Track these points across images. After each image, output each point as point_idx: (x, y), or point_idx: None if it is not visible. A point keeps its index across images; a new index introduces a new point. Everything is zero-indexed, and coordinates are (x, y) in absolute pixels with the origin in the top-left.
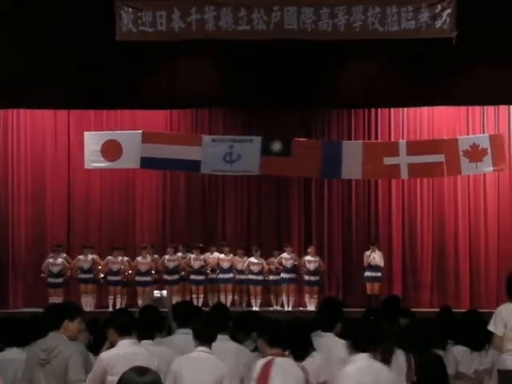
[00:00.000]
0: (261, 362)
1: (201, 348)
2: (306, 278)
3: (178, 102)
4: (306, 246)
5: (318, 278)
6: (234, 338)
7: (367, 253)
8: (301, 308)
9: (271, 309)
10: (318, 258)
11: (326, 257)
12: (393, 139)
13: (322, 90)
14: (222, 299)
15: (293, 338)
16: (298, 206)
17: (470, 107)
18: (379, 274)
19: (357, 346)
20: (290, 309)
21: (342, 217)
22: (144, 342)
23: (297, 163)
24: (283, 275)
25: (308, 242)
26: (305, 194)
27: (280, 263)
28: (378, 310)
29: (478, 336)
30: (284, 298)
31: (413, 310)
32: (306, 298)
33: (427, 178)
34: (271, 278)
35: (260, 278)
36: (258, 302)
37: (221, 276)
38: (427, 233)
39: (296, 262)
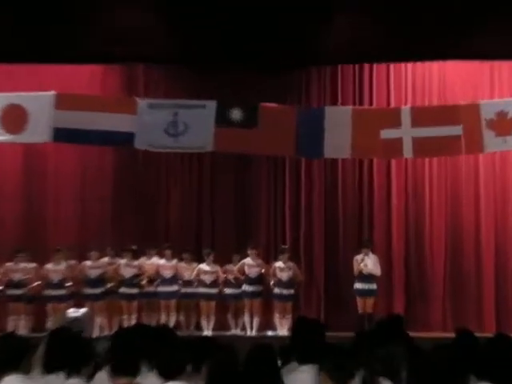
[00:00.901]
0: None
1: None
2: (277, 291)
3: (105, 54)
4: (277, 249)
5: (292, 291)
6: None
7: (358, 258)
8: (269, 332)
9: (228, 333)
10: (292, 265)
11: (303, 263)
12: (393, 105)
13: (298, 41)
14: (163, 319)
15: (257, 373)
16: (265, 194)
17: (494, 62)
18: (374, 286)
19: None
20: (253, 333)
21: (325, 210)
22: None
23: (264, 137)
24: (245, 288)
25: (280, 244)
26: (275, 179)
27: (241, 271)
28: (372, 333)
29: (509, 369)
30: (246, 318)
31: (420, 334)
32: (277, 318)
33: (439, 157)
34: (229, 291)
35: (214, 291)
36: (211, 323)
37: (161, 289)
38: (438, 231)
39: (263, 270)
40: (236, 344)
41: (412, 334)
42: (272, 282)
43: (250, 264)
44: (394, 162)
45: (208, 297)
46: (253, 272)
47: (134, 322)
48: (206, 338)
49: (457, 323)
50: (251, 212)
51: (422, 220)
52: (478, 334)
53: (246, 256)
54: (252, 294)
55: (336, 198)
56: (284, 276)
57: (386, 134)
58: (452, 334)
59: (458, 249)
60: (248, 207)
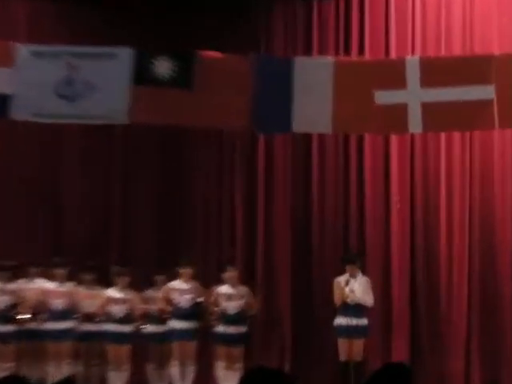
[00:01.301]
0: None
1: None
2: (221, 329)
3: None
4: (222, 267)
5: (242, 329)
6: None
7: (341, 280)
8: None
9: None
10: (244, 291)
11: (259, 288)
12: (393, 54)
13: None
14: (51, 371)
15: None
16: (205, 187)
17: None
18: (364, 322)
19: None
20: None
21: (293, 211)
22: None
23: (204, 102)
24: (174, 324)
25: (226, 260)
26: (221, 165)
27: (168, 300)
28: None
29: None
30: (174, 369)
31: None
32: (220, 368)
33: (459, 132)
34: (150, 329)
35: (127, 329)
36: (125, 375)
37: (49, 326)
38: (460, 239)
39: (201, 299)
40: None
41: None
42: (213, 317)
43: (180, 289)
44: (394, 140)
45: (119, 338)
46: (185, 301)
47: (7, 372)
48: None
49: (486, 374)
50: (184, 214)
51: (435, 224)
52: None
53: (174, 277)
54: (183, 334)
55: (309, 195)
56: (231, 307)
57: (384, 97)
58: None
59: (490, 268)
60: (180, 206)
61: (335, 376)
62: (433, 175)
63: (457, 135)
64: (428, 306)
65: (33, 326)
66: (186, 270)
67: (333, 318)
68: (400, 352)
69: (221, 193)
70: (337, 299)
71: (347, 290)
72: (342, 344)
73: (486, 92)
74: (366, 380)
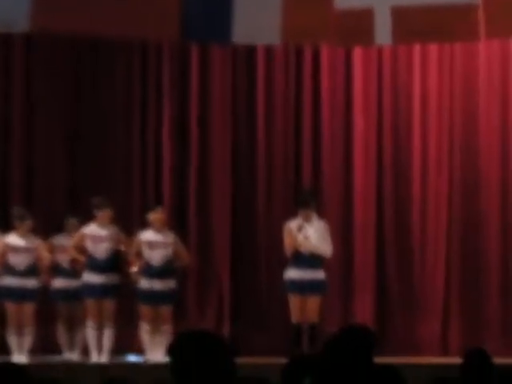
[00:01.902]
0: None
1: None
2: (145, 284)
3: None
4: (147, 209)
5: (171, 284)
6: None
7: (292, 225)
8: (131, 357)
9: (58, 359)
10: (173, 239)
11: (192, 237)
12: None
13: None
14: None
15: None
16: (125, 111)
17: None
18: (320, 276)
19: None
20: (103, 358)
21: (235, 139)
22: None
23: (124, 5)
24: (88, 278)
25: (151, 201)
26: (144, 80)
27: (81, 248)
28: (314, 360)
29: None
30: (90, 331)
31: (401, 360)
32: (145, 330)
33: (436, 42)
34: (59, 283)
35: (31, 283)
36: (28, 340)
37: None
38: (437, 178)
39: (120, 247)
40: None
41: (390, 359)
42: (135, 269)
43: (96, 235)
44: (357, 55)
45: (20, 294)
46: (101, 250)
47: None
48: (14, 367)
49: (466, 342)
50: (101, 145)
51: (407, 163)
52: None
53: (89, 220)
54: (100, 290)
55: (254, 123)
56: (157, 257)
57: (346, 0)
58: (456, 360)
59: (473, 216)
60: (96, 137)
61: (285, 341)
62: (405, 103)
63: (434, 49)
64: (398, 258)
65: None
66: (103, 213)
67: (282, 271)
68: (364, 313)
69: (146, 121)
70: (288, 248)
71: (300, 236)
72: (294, 302)
73: None
74: (321, 346)
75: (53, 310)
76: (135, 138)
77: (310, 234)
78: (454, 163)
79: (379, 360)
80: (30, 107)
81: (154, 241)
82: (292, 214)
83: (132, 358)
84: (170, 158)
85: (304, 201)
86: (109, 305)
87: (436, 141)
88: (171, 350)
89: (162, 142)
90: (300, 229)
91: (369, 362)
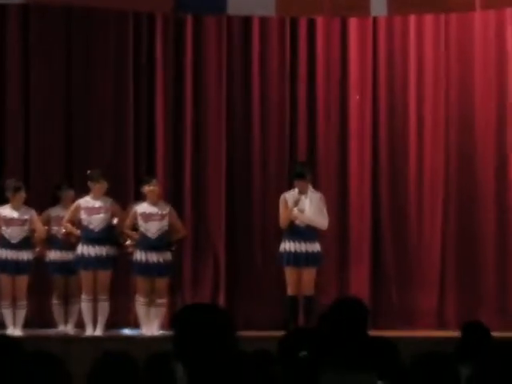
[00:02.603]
0: None
1: None
2: (139, 256)
3: None
4: (140, 181)
5: (167, 256)
6: None
7: (288, 196)
8: (125, 330)
9: (53, 332)
10: (168, 210)
11: (187, 208)
12: None
13: None
14: None
15: None
16: (117, 82)
17: None
18: (315, 248)
19: None
20: (98, 332)
21: (230, 108)
22: None
23: None
24: (83, 250)
25: (145, 170)
26: (135, 55)
27: (75, 220)
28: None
29: None
30: (85, 305)
31: (398, 334)
32: (141, 303)
33: (433, 13)
34: (54, 255)
35: (26, 255)
36: (21, 313)
37: None
38: (434, 146)
39: (115, 219)
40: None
41: (385, 333)
42: (128, 241)
43: (90, 207)
44: (353, 25)
45: (14, 267)
46: (96, 222)
47: None
48: (8, 340)
49: (463, 315)
50: (94, 116)
51: (402, 130)
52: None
53: (84, 192)
54: (95, 262)
55: (249, 91)
56: (152, 229)
57: None
58: (452, 334)
59: (470, 188)
60: (89, 108)
61: (280, 313)
62: (400, 74)
63: (429, 20)
64: (394, 229)
65: None
66: (99, 185)
67: (278, 243)
68: (359, 285)
69: (139, 92)
70: (283, 220)
71: (296, 209)
72: (290, 274)
73: None
74: (316, 318)
75: (48, 283)
76: (128, 109)
77: (306, 206)
78: (450, 135)
79: (374, 333)
80: (25, 77)
81: (149, 213)
82: (287, 187)
83: (127, 332)
84: (164, 129)
85: (299, 172)
86: (103, 277)
87: (432, 112)
88: (175, 322)
89: (156, 112)
90: (296, 202)
91: (363, 334)
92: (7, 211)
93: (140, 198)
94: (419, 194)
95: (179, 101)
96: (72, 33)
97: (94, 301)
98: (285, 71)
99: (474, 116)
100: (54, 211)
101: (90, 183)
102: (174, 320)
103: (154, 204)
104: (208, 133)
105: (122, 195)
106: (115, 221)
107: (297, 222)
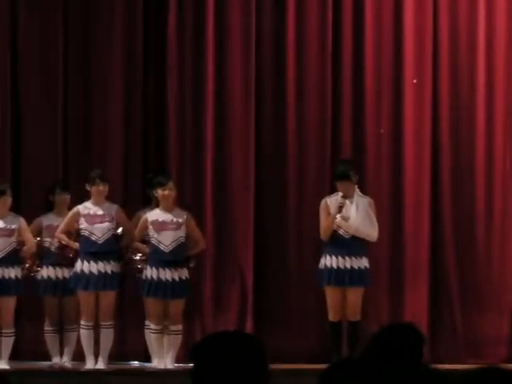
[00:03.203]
0: None
1: None
2: (151, 274)
3: None
4: (152, 182)
5: (184, 273)
6: None
7: (330, 201)
8: (134, 362)
9: (45, 364)
10: (185, 217)
11: (208, 219)
12: None
13: None
14: None
15: None
16: (121, 63)
17: None
18: (363, 264)
19: None
20: (101, 365)
21: (258, 103)
22: None
23: None
24: (83, 267)
25: (156, 170)
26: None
27: (72, 230)
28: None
29: None
30: (84, 332)
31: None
32: (152, 330)
33: None
34: (47, 273)
35: (13, 273)
36: (8, 342)
37: None
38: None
39: (121, 228)
40: None
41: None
42: (138, 256)
43: (91, 214)
44: None
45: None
46: (99, 231)
47: None
48: None
49: None
50: (93, 105)
51: (469, 124)
52: None
53: (84, 197)
54: (97, 281)
55: (283, 66)
56: (166, 239)
57: None
58: None
59: None
60: (87, 92)
61: (320, 342)
62: (466, 40)
63: None
64: (458, 242)
65: None
66: (99, 187)
67: (317, 258)
68: (416, 309)
69: (148, 72)
70: (324, 230)
71: (339, 216)
72: (332, 296)
73: None
74: (362, 348)
75: (39, 306)
76: (136, 97)
77: (352, 212)
78: None
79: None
80: (13, 68)
81: (163, 221)
82: (328, 191)
83: (135, 364)
84: (177, 120)
85: (343, 171)
86: (107, 299)
87: (504, 100)
88: (195, 353)
89: (168, 100)
90: (340, 207)
91: (417, 366)
92: None
93: (148, 203)
94: (489, 200)
95: (198, 85)
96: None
97: (96, 328)
98: (326, 48)
99: None
100: (47, 219)
101: (88, 186)
102: (193, 351)
103: (169, 211)
104: (233, 125)
105: (128, 200)
106: (121, 231)
107: (340, 231)
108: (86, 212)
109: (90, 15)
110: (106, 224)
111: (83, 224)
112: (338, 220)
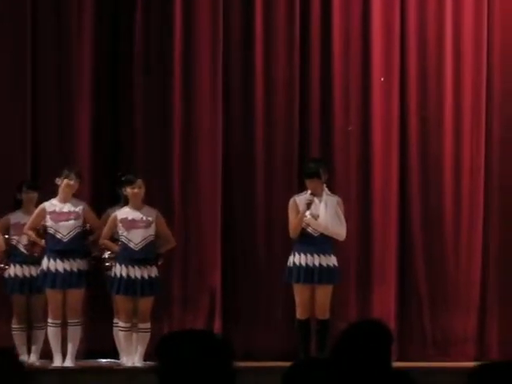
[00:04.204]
0: None
1: None
2: (120, 272)
3: None
4: (120, 180)
5: (153, 271)
6: None
7: (299, 199)
8: (102, 359)
9: None
10: (155, 215)
11: (177, 215)
12: None
13: None
14: None
15: None
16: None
17: None
18: (331, 262)
19: None
20: (68, 362)
21: (226, 85)
22: None
23: None
24: (50, 265)
25: (124, 169)
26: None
27: (39, 227)
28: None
29: None
30: (52, 330)
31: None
32: (120, 328)
33: None
34: (14, 272)
35: None
36: None
37: None
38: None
39: (89, 225)
40: None
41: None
42: (106, 253)
43: (56, 211)
44: None
45: None
46: (65, 229)
47: None
48: None
49: (508, 345)
50: (63, 97)
51: (437, 121)
52: None
53: (53, 194)
54: (64, 279)
55: (250, 67)
56: (136, 237)
57: None
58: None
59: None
60: (59, 81)
61: (289, 341)
62: (435, 37)
63: None
64: (426, 240)
65: None
66: (69, 184)
67: (286, 256)
68: (384, 307)
69: (116, 62)
70: (293, 228)
71: (308, 214)
72: (301, 293)
73: None
74: (331, 346)
75: (6, 304)
76: (105, 87)
77: (321, 210)
78: (493, 127)
79: (401, 365)
80: None
81: (132, 219)
82: (297, 189)
83: (104, 362)
84: (145, 118)
85: (312, 169)
86: (75, 297)
87: (472, 99)
88: (159, 351)
89: (134, 99)
90: (309, 205)
91: (385, 366)
92: None
93: (117, 202)
94: (457, 199)
95: (166, 83)
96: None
97: (64, 325)
98: (294, 46)
99: None
100: (15, 217)
101: (59, 180)
102: (157, 348)
103: (138, 209)
104: (200, 124)
105: (96, 198)
106: (89, 228)
107: (309, 229)
108: (51, 209)
109: (60, 16)
110: (72, 222)
111: (49, 222)
112: (307, 218)
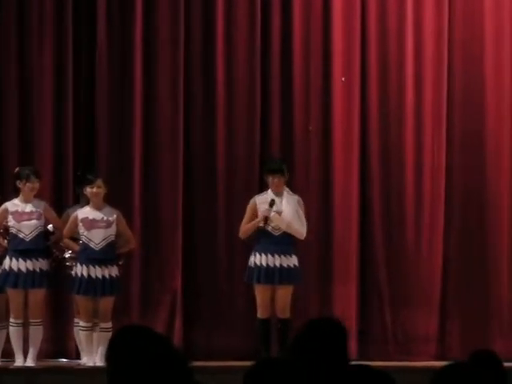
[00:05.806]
0: None
1: None
2: (81, 271)
3: None
4: (81, 179)
5: (114, 270)
6: None
7: (259, 200)
8: (62, 359)
9: None
10: (116, 215)
11: (137, 211)
12: None
13: None
14: None
15: None
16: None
17: None
18: (292, 262)
19: None
20: (30, 362)
21: (187, 88)
22: None
23: None
24: (12, 264)
25: (84, 167)
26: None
27: (1, 227)
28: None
29: None
30: (13, 328)
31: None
32: (81, 328)
33: None
34: None
35: None
36: None
37: None
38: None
39: (50, 226)
40: None
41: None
42: (68, 253)
43: (18, 211)
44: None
45: None
46: (26, 229)
47: None
48: None
49: (469, 345)
50: (27, 106)
51: (399, 121)
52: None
53: (14, 193)
54: (26, 279)
55: (211, 68)
56: (96, 237)
57: None
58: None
59: (477, 198)
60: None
61: (250, 340)
62: (395, 37)
63: None
64: (387, 240)
65: None
66: (35, 185)
67: (247, 256)
68: (345, 306)
69: (79, 62)
70: (244, 230)
71: (273, 211)
72: (262, 293)
73: None
74: (289, 344)
75: None
76: (67, 87)
77: (283, 208)
78: (454, 126)
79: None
80: None
81: (93, 219)
82: (257, 191)
83: (65, 362)
84: (108, 122)
85: (276, 166)
86: (36, 297)
87: (432, 97)
88: (109, 351)
89: (96, 101)
90: (272, 204)
91: (342, 363)
92: None
93: (77, 202)
94: (418, 197)
95: (127, 84)
96: None
97: (25, 325)
98: (255, 46)
99: (484, 100)
100: None
101: (19, 182)
102: (108, 349)
103: (99, 209)
104: (161, 124)
105: (58, 198)
106: (50, 228)
107: (269, 228)
108: (14, 209)
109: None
110: (34, 221)
111: (11, 221)
112: (272, 215)
